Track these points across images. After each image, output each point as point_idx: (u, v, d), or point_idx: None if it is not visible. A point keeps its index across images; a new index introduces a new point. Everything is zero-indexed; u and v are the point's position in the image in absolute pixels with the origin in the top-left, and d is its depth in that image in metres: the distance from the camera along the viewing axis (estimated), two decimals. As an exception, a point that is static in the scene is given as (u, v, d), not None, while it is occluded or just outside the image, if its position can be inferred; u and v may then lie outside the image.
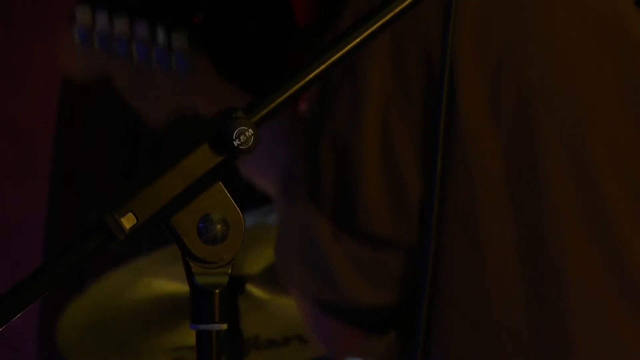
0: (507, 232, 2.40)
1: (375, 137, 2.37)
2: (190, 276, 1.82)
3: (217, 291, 1.83)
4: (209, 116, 2.40)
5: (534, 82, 2.41)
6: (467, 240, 2.39)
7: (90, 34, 2.73)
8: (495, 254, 2.42)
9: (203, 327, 1.83)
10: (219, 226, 1.80)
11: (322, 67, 1.89)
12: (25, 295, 1.78)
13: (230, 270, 1.83)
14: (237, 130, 1.76)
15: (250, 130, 1.76)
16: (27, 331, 6.12)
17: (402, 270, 2.38)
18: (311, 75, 1.89)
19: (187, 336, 4.99)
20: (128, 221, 1.76)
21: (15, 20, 6.42)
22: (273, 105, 1.86)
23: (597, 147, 2.46)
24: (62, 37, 2.75)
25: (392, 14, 1.88)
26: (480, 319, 2.38)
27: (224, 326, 1.85)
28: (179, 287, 4.93)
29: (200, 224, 1.79)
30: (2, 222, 6.92)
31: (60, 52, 2.79)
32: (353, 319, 2.46)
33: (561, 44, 2.37)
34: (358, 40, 1.89)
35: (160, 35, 2.72)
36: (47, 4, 6.17)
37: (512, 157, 2.43)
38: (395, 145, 2.38)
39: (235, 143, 1.75)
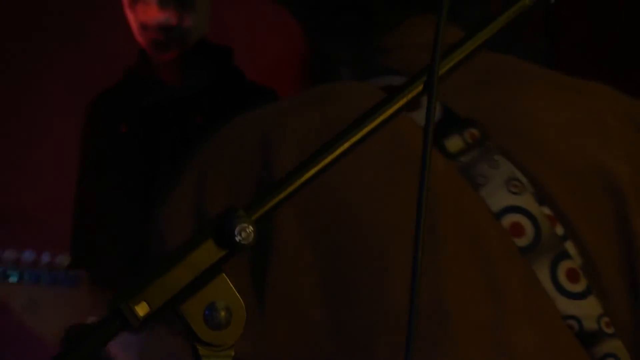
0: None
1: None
2: (197, 358, 1.93)
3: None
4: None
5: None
6: None
7: None
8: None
9: None
10: (223, 313, 1.90)
11: (314, 170, 2.01)
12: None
13: (233, 353, 1.94)
14: (238, 227, 1.88)
15: (250, 227, 1.89)
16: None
17: None
18: (305, 177, 2.02)
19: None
20: (142, 309, 1.88)
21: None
22: (271, 204, 1.99)
23: None
24: None
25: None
26: None
27: None
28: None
29: (206, 312, 1.89)
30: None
31: None
32: None
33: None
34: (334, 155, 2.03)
35: (45, 258, 2.92)
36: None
37: None
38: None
39: (237, 239, 1.87)
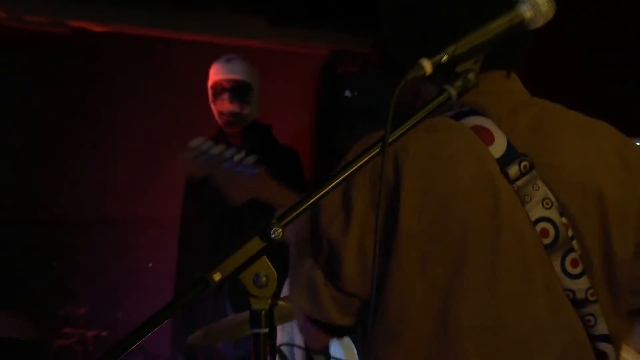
0: (416, 293, 2.65)
1: (355, 240, 2.62)
2: (250, 305, 2.26)
3: (262, 312, 2.26)
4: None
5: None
6: (395, 296, 2.66)
7: (199, 153, 3.19)
8: (409, 303, 2.66)
9: (255, 330, 2.27)
10: (264, 279, 2.23)
11: (323, 191, 2.29)
12: (161, 316, 2.23)
13: (270, 302, 2.25)
14: (273, 229, 2.19)
15: (280, 229, 2.20)
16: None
17: (359, 308, 2.69)
18: (316, 197, 2.29)
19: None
20: (217, 276, 2.20)
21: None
22: (293, 215, 2.26)
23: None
24: (184, 154, 3.20)
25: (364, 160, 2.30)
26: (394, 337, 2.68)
27: (266, 330, 2.27)
28: None
29: (254, 278, 2.23)
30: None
31: (182, 163, 3.19)
32: (326, 329, 2.78)
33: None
34: (345, 175, 2.29)
35: (238, 156, 3.16)
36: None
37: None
38: (365, 245, 2.61)
39: (272, 236, 2.19)
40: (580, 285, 2.71)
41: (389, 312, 2.69)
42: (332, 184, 2.31)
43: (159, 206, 7.25)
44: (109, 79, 7.77)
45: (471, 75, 2.36)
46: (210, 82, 6.32)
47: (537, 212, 2.70)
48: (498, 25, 2.39)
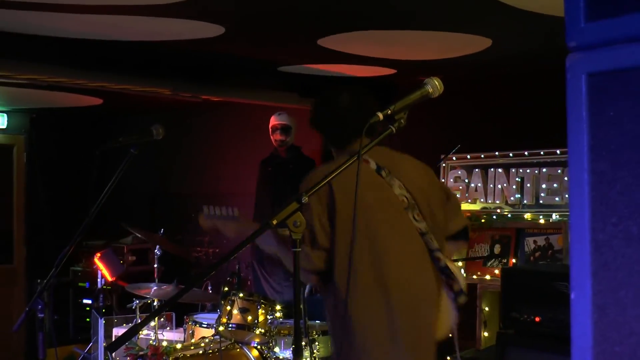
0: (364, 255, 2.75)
1: (318, 224, 2.73)
2: (293, 240, 2.14)
3: (297, 240, 2.13)
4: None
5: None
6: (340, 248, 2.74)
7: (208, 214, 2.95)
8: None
9: (295, 249, 2.13)
10: (298, 223, 2.09)
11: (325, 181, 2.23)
12: (246, 241, 2.25)
13: (300, 235, 2.14)
14: (302, 197, 2.09)
15: (306, 197, 2.10)
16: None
17: (327, 257, 2.75)
18: (321, 184, 2.24)
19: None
20: (274, 222, 2.07)
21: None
22: (315, 188, 2.18)
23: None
24: (201, 215, 3.02)
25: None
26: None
27: (299, 249, 2.14)
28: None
29: (294, 222, 2.10)
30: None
31: (200, 219, 2.99)
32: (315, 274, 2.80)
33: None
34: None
35: (228, 211, 2.94)
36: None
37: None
38: (323, 224, 2.72)
39: (302, 201, 2.09)
40: (422, 225, 2.85)
41: (339, 255, 2.74)
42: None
43: (245, 185, 7.17)
44: (219, 126, 7.81)
45: (403, 120, 2.32)
46: (270, 124, 6.32)
47: (397, 190, 2.85)
48: (415, 95, 2.38)
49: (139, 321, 5.43)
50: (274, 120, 6.33)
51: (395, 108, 2.32)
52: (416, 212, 2.86)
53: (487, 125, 5.86)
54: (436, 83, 2.39)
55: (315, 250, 2.76)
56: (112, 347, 2.14)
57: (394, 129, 2.34)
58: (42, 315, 3.25)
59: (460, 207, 3.21)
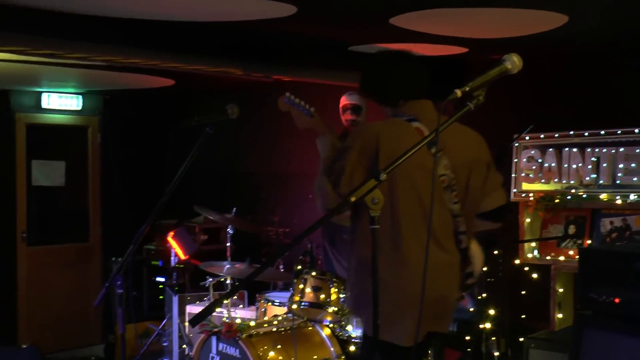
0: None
1: (348, 174, 2.86)
2: (371, 217, 2.17)
3: (375, 217, 2.15)
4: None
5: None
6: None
7: (288, 99, 3.24)
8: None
9: (371, 227, 2.19)
10: (376, 200, 2.11)
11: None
12: (317, 223, 2.25)
13: (379, 212, 2.17)
14: (381, 175, 2.11)
15: (385, 175, 2.13)
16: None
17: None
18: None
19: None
20: (352, 199, 2.10)
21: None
22: (393, 166, 2.20)
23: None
24: (281, 98, 3.29)
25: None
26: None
27: (378, 226, 2.20)
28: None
29: (372, 199, 2.12)
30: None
31: (279, 100, 3.25)
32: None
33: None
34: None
35: (306, 105, 3.24)
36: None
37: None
38: (353, 177, 2.85)
39: (380, 178, 2.11)
40: (455, 208, 2.95)
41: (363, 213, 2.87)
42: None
43: (315, 166, 7.17)
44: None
45: (481, 97, 2.33)
46: (341, 104, 6.31)
47: (442, 170, 2.92)
48: (494, 72, 2.37)
49: (212, 299, 5.54)
50: (344, 100, 6.31)
51: (474, 85, 2.33)
52: (454, 193, 2.94)
53: (561, 104, 5.74)
54: (515, 59, 2.39)
55: (336, 194, 2.89)
56: (193, 321, 2.19)
57: (472, 106, 2.35)
58: (121, 291, 3.35)
59: (499, 185, 3.20)
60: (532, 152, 5.34)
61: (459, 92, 2.29)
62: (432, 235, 2.88)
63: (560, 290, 5.02)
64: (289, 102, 3.27)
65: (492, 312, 5.07)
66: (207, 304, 5.67)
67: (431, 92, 3.14)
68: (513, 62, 2.39)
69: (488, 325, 5.06)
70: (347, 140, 2.98)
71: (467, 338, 5.09)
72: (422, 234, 2.87)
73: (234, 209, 5.27)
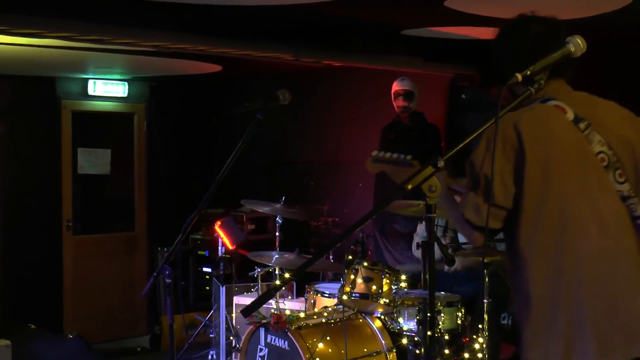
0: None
1: (498, 174, 2.41)
2: (426, 201, 2.13)
3: (432, 205, 2.13)
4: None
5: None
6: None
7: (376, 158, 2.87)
8: None
9: (428, 215, 2.15)
10: (433, 188, 2.10)
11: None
12: (371, 213, 2.24)
13: (437, 196, 2.13)
14: (438, 161, 2.08)
15: (442, 161, 2.10)
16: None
17: (505, 216, 2.45)
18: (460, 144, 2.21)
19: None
20: (409, 186, 2.08)
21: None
22: (450, 153, 2.17)
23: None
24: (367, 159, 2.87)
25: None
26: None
27: (435, 214, 2.16)
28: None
29: (429, 187, 2.10)
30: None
31: (366, 163, 2.84)
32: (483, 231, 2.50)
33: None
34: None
35: (400, 157, 2.83)
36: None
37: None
38: (504, 177, 2.41)
39: (438, 165, 2.09)
40: (624, 188, 2.50)
41: (524, 219, 2.46)
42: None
43: (366, 153, 7.18)
44: (340, 92, 7.83)
45: (542, 81, 2.32)
46: (392, 90, 6.32)
47: (597, 147, 2.49)
48: (556, 55, 2.34)
49: (260, 290, 5.58)
50: (396, 86, 6.31)
51: (535, 68, 2.31)
52: (619, 171, 2.53)
53: (627, 89, 5.64)
54: (579, 41, 2.35)
55: (491, 207, 2.43)
56: (246, 311, 2.22)
57: (533, 91, 2.34)
58: (169, 280, 3.36)
59: None
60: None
61: (519, 76, 2.27)
62: (605, 229, 2.46)
63: None
64: (380, 161, 2.96)
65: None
66: (255, 295, 5.88)
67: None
68: (577, 44, 2.35)
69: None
70: (480, 145, 2.58)
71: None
72: (592, 229, 2.46)
73: (283, 198, 5.29)
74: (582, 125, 2.49)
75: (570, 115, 2.50)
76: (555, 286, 2.41)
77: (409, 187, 2.15)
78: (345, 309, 4.68)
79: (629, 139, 2.57)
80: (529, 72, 2.30)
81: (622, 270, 2.43)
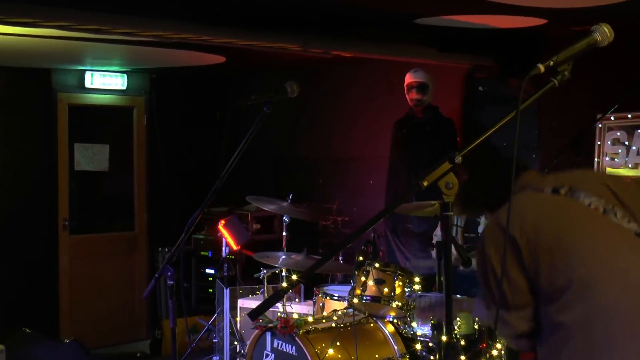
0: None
1: (506, 284, 2.34)
2: (442, 198, 2.12)
3: (449, 203, 2.10)
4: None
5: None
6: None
7: None
8: None
9: (445, 213, 2.13)
10: (451, 185, 2.07)
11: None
12: (386, 210, 2.24)
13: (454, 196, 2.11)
14: (455, 157, 2.05)
15: (460, 157, 2.08)
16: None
17: (532, 313, 2.36)
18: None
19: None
20: (425, 183, 2.05)
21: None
22: (468, 147, 2.13)
23: None
24: None
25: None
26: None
27: (452, 213, 2.14)
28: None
29: (446, 184, 2.07)
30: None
31: None
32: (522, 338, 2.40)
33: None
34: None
35: None
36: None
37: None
38: (511, 284, 2.35)
39: (455, 160, 2.07)
40: (633, 226, 2.39)
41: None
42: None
43: (378, 149, 7.14)
44: (350, 84, 7.82)
45: (567, 72, 2.28)
46: (405, 83, 6.31)
47: (585, 201, 2.39)
48: (581, 44, 2.31)
49: (267, 292, 5.58)
50: (409, 78, 6.30)
51: (558, 59, 2.27)
52: (620, 212, 2.42)
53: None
54: (605, 30, 2.31)
55: (513, 312, 2.40)
56: (254, 313, 2.21)
57: (556, 83, 2.29)
58: (171, 282, 3.36)
59: None
60: (618, 133, 5.27)
61: (542, 67, 2.23)
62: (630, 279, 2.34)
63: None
64: None
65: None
66: (261, 298, 5.88)
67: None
68: (603, 32, 2.31)
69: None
70: (485, 254, 2.48)
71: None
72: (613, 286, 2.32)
73: (290, 196, 5.29)
74: (562, 191, 2.46)
75: (547, 190, 2.49)
76: None
77: (425, 184, 2.14)
78: (356, 312, 4.66)
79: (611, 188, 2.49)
80: (551, 62, 2.26)
81: None
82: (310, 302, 5.57)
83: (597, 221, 2.41)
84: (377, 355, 4.61)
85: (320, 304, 5.16)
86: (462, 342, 4.39)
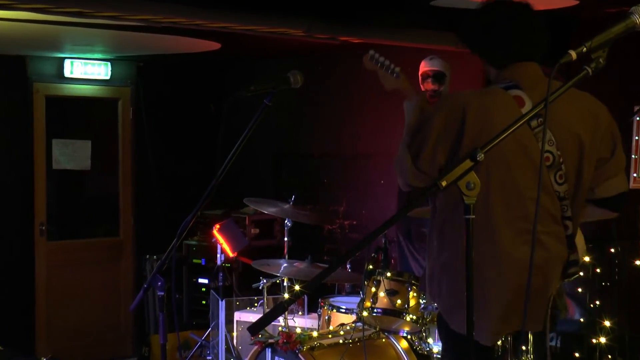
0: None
1: (430, 148, 3.02)
2: (463, 199, 2.14)
3: (471, 205, 2.13)
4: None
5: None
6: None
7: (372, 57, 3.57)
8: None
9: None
10: (472, 185, 2.09)
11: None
12: (398, 215, 2.27)
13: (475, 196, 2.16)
14: (478, 155, 2.05)
15: (482, 154, 2.09)
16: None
17: (426, 181, 3.05)
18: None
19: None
20: (444, 183, 2.07)
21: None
22: (492, 144, 2.15)
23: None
24: (366, 56, 3.61)
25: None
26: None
27: (473, 216, 2.18)
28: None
29: (467, 184, 2.09)
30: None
31: (364, 59, 3.65)
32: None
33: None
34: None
35: (391, 66, 3.57)
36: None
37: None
38: (436, 151, 3.01)
39: (478, 158, 2.06)
40: (561, 189, 3.04)
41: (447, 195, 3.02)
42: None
43: (389, 144, 7.13)
44: (358, 74, 7.75)
45: (602, 60, 2.27)
46: (420, 72, 6.28)
47: (545, 147, 2.98)
48: (618, 28, 2.30)
49: (267, 304, 5.56)
50: (424, 66, 6.28)
51: (593, 44, 2.26)
52: (560, 172, 3.04)
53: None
54: (645, 12, 2.33)
55: (415, 169, 3.09)
56: (254, 328, 2.20)
57: (590, 71, 2.27)
58: (161, 293, 3.35)
59: (622, 168, 3.23)
60: (657, 128, 5.26)
61: (574, 54, 2.22)
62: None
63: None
64: (373, 61, 3.56)
65: (607, 323, 4.99)
66: (260, 311, 5.86)
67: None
68: (643, 14, 2.34)
69: (602, 339, 4.96)
70: (430, 109, 3.17)
71: (576, 355, 5.01)
72: (519, 222, 3.04)
73: (292, 198, 5.28)
74: (533, 123, 2.99)
75: (527, 108, 2.98)
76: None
77: (444, 184, 2.15)
78: (366, 327, 4.64)
79: (582, 141, 3.05)
80: (585, 48, 2.26)
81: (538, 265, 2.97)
82: (315, 315, 5.53)
83: (534, 170, 2.99)
84: (389, 374, 4.62)
85: (326, 317, 5.13)
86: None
